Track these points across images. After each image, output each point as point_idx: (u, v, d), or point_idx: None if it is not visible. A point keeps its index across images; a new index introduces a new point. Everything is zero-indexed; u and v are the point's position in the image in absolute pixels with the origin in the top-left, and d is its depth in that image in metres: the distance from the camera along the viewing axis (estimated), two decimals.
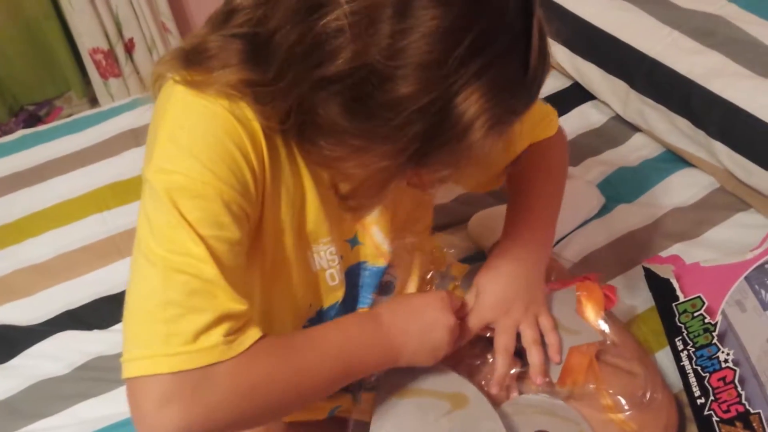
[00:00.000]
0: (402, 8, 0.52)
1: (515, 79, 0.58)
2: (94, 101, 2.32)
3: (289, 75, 0.57)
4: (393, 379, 0.80)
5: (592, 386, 0.84)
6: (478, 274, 0.87)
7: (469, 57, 0.54)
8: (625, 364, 0.87)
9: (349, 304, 0.83)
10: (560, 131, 0.97)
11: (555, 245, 1.18)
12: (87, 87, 2.30)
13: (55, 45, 2.19)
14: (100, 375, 1.07)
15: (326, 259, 0.76)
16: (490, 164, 0.83)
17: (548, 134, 0.94)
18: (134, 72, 2.25)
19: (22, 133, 1.59)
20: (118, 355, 1.11)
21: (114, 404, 1.03)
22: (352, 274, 0.82)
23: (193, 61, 0.62)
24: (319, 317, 0.81)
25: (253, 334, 0.61)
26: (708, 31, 1.30)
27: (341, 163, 0.62)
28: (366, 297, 0.85)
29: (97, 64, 2.19)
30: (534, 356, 0.83)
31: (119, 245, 1.27)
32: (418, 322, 0.75)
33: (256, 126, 0.63)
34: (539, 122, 0.93)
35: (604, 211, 1.25)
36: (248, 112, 0.63)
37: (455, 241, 1.15)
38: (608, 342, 0.87)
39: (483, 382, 0.85)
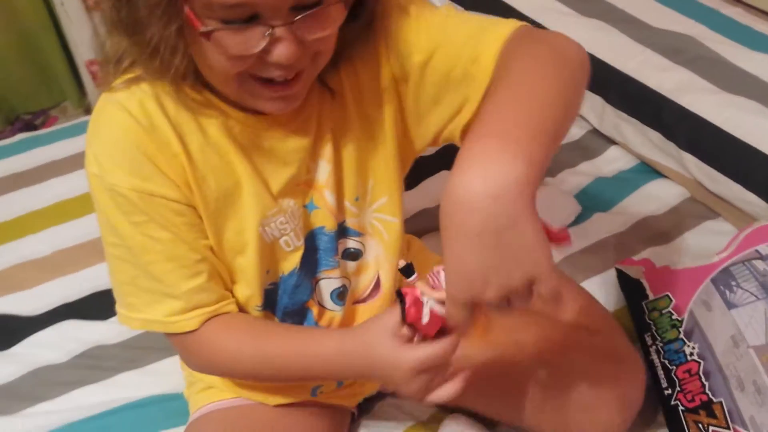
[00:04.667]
0: None
1: None
2: (89, 112, 2.33)
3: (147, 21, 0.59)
4: None
5: None
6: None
7: None
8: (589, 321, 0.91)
9: (309, 268, 0.82)
10: (548, 37, 0.68)
11: None
12: (82, 98, 2.31)
13: (51, 56, 2.20)
14: (97, 363, 1.08)
15: (277, 229, 0.76)
16: None
17: (504, 35, 0.67)
18: None
19: (21, 136, 1.61)
20: (115, 345, 1.15)
21: (110, 391, 1.04)
22: (312, 239, 0.81)
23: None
24: (281, 284, 0.81)
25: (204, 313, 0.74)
26: (678, 49, 1.34)
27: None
28: (327, 261, 0.82)
29: (93, 75, 2.21)
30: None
31: None
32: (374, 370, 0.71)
33: (160, 121, 0.68)
34: (481, 34, 0.68)
35: (581, 219, 1.27)
36: (151, 105, 0.68)
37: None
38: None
39: None
